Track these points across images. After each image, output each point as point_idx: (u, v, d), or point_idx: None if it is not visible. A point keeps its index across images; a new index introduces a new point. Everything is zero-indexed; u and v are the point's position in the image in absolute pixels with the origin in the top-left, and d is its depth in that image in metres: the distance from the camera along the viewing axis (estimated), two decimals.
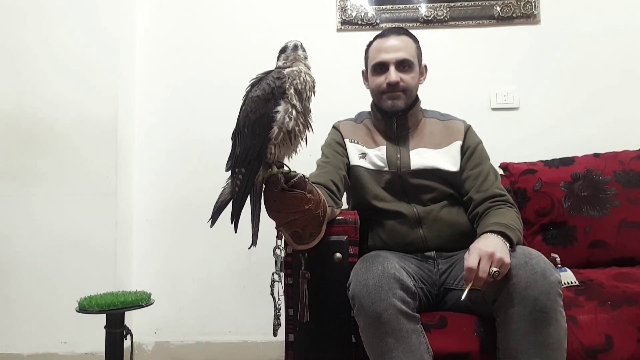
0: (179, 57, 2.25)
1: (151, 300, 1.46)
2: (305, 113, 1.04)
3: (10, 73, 2.10)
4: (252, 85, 1.07)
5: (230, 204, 1.06)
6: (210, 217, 1.08)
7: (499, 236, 1.20)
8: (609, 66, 2.13)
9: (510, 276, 1.13)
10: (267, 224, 1.11)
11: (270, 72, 1.06)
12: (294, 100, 1.01)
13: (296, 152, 1.06)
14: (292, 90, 1.01)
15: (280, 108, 1.00)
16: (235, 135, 1.07)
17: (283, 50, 1.10)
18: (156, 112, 2.24)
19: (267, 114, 1.00)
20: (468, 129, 1.55)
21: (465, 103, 2.11)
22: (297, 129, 1.01)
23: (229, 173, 1.08)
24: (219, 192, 1.10)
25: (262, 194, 1.05)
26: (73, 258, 2.03)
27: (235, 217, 1.04)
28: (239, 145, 1.05)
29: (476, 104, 2.15)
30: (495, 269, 1.10)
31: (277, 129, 0.99)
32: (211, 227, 1.08)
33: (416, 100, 1.55)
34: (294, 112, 1.00)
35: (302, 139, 1.04)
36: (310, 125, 1.06)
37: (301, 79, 1.03)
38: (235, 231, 1.04)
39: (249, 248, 1.07)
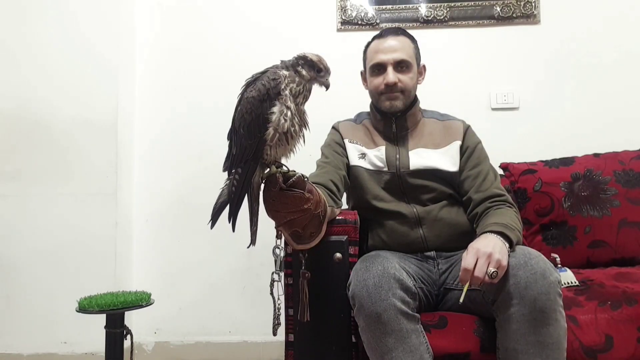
0: (180, 57, 2.25)
1: (151, 300, 1.46)
2: (300, 113, 1.04)
3: (10, 73, 2.10)
4: (248, 85, 1.06)
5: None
6: (210, 218, 1.08)
7: (498, 236, 1.20)
8: (609, 66, 2.13)
9: (510, 276, 1.12)
10: (267, 224, 1.11)
11: (265, 71, 1.06)
12: (289, 102, 1.01)
13: (294, 152, 1.06)
14: (287, 92, 1.01)
15: (276, 109, 1.00)
16: (231, 135, 1.07)
17: (313, 66, 1.07)
18: (156, 112, 2.24)
19: (262, 115, 1.00)
20: (467, 129, 1.55)
21: (465, 103, 2.11)
22: (292, 129, 1.01)
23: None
24: (218, 193, 1.10)
25: (261, 193, 1.05)
26: (73, 258, 2.03)
27: (232, 217, 1.05)
28: (235, 145, 1.05)
29: (476, 104, 2.15)
30: (492, 269, 1.10)
31: (273, 131, 0.99)
32: (211, 228, 1.08)
33: (415, 100, 1.55)
34: (289, 113, 1.00)
35: (299, 139, 1.04)
36: (307, 124, 1.06)
37: (300, 83, 1.03)
38: (233, 230, 1.05)
39: (248, 247, 1.07)
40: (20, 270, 2.04)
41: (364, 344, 1.16)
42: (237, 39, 2.23)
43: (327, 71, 1.09)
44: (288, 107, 1.00)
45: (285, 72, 1.04)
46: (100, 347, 1.42)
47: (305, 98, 1.06)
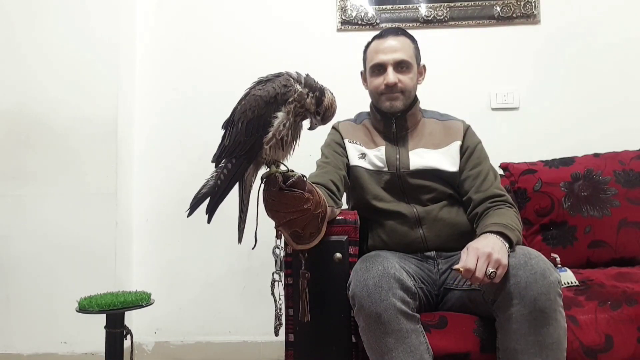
0: (180, 57, 2.25)
1: (151, 300, 1.46)
2: (296, 128, 1.04)
3: (10, 73, 2.10)
4: (258, 83, 1.06)
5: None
6: (188, 207, 1.06)
7: (498, 236, 1.20)
8: (609, 65, 2.13)
9: (510, 276, 1.12)
10: (267, 224, 1.11)
11: (279, 75, 1.05)
12: (290, 114, 1.01)
13: (281, 160, 1.06)
14: (292, 106, 1.01)
15: (280, 114, 1.00)
16: (227, 126, 1.07)
17: (320, 105, 1.05)
18: (156, 112, 2.24)
19: (264, 117, 1.00)
20: (467, 129, 1.55)
21: (465, 103, 2.11)
22: (286, 139, 1.02)
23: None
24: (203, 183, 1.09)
25: (260, 193, 1.05)
26: (73, 258, 2.03)
27: (211, 210, 1.04)
28: (229, 137, 1.04)
29: (476, 104, 2.15)
30: (491, 270, 1.10)
31: (271, 135, 1.00)
32: (188, 217, 1.05)
33: (415, 100, 1.55)
34: (287, 123, 1.01)
35: (290, 150, 1.05)
36: (299, 137, 1.07)
37: (302, 106, 1.04)
38: (208, 222, 1.04)
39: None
40: (20, 270, 2.04)
41: (364, 344, 1.16)
42: (237, 39, 2.23)
43: (323, 120, 1.08)
44: (289, 118, 1.01)
45: (299, 88, 1.03)
46: (100, 347, 1.42)
47: (302, 119, 1.06)
